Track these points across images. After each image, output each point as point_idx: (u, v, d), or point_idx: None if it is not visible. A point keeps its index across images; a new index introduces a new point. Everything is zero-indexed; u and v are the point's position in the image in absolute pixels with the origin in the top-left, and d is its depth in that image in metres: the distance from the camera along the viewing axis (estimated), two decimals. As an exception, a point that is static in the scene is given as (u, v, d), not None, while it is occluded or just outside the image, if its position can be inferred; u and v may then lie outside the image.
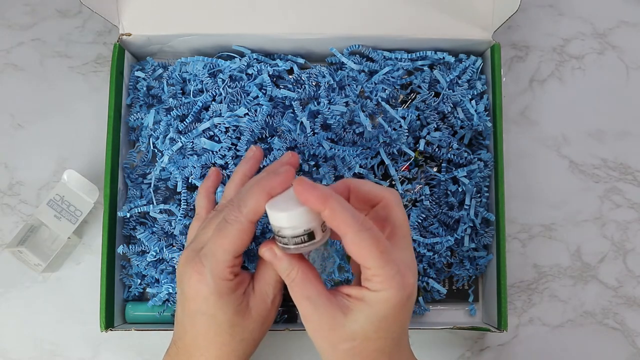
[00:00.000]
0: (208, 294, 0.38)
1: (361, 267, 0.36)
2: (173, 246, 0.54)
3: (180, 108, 0.55)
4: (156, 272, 0.54)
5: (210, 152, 0.54)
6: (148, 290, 0.54)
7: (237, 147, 0.54)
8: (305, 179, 0.35)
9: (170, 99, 0.56)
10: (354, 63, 0.57)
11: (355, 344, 0.36)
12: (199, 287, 0.39)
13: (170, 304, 0.54)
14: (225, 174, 0.54)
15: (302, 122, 0.54)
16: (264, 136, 0.55)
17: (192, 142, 0.54)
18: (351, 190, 0.40)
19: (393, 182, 0.56)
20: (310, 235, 0.36)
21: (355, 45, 0.57)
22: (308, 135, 0.54)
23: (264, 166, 0.52)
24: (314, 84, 0.56)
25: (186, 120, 0.55)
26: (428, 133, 0.56)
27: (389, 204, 0.38)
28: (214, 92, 0.55)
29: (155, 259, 0.54)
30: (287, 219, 0.36)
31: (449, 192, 0.55)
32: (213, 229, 0.40)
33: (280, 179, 0.37)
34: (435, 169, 0.56)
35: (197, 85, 0.56)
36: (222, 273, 0.38)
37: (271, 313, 0.42)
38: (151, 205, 0.54)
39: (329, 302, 0.36)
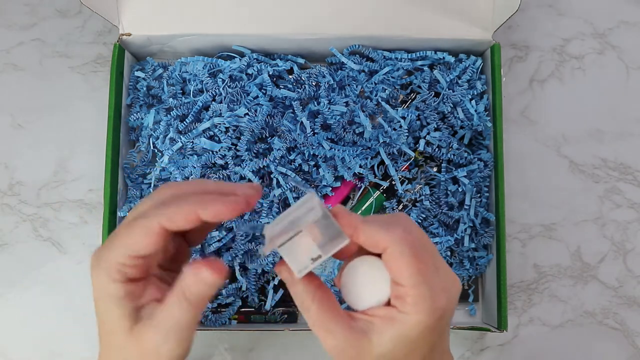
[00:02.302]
0: (95, 293, 0.34)
1: (393, 284, 0.34)
2: (173, 246, 0.54)
3: (180, 108, 0.55)
4: (156, 272, 0.54)
5: (210, 152, 0.54)
6: (148, 290, 0.54)
7: (237, 147, 0.54)
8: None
9: (170, 99, 0.56)
10: (354, 63, 0.57)
11: None
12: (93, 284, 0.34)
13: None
14: (226, 175, 0.54)
15: (302, 122, 0.54)
16: (264, 136, 0.55)
17: (192, 142, 0.54)
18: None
19: (393, 182, 0.56)
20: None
21: (355, 45, 0.57)
22: (308, 135, 0.54)
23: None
24: (314, 84, 0.56)
25: (186, 120, 0.55)
26: (428, 133, 0.56)
27: (394, 254, 0.33)
28: (214, 92, 0.55)
29: (155, 259, 0.54)
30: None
31: (449, 192, 0.55)
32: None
33: (223, 207, 0.32)
34: (435, 169, 0.56)
35: (197, 85, 0.56)
36: (110, 270, 0.33)
37: None
38: (151, 205, 0.54)
39: (349, 329, 0.33)
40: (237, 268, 0.54)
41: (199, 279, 0.33)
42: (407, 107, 0.57)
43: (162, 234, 0.33)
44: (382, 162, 0.56)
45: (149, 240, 0.33)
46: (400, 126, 0.55)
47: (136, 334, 0.33)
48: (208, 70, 0.56)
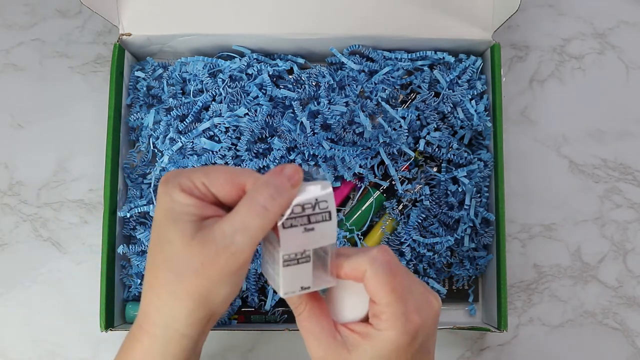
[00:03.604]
0: (159, 205, 0.34)
1: (370, 303, 0.35)
2: (173, 246, 0.54)
3: (180, 108, 0.55)
4: (156, 272, 0.54)
5: (210, 152, 0.54)
6: (148, 290, 0.54)
7: (237, 147, 0.54)
8: None
9: (170, 99, 0.56)
10: (354, 63, 0.57)
11: None
12: None
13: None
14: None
15: (302, 122, 0.54)
16: (264, 136, 0.55)
17: (192, 142, 0.54)
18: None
19: (393, 182, 0.56)
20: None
21: (355, 45, 0.57)
22: (308, 135, 0.54)
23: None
24: (314, 84, 0.56)
25: (186, 120, 0.55)
26: (428, 133, 0.56)
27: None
28: (214, 92, 0.55)
29: (155, 259, 0.54)
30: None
31: (449, 192, 0.55)
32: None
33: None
34: (435, 169, 0.56)
35: (197, 85, 0.56)
36: (182, 184, 0.33)
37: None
38: (151, 205, 0.54)
39: (333, 339, 0.36)
40: (237, 268, 0.54)
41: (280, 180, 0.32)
42: (407, 107, 0.57)
43: (239, 189, 0.33)
44: (382, 162, 0.56)
45: (227, 184, 0.33)
46: (400, 126, 0.55)
47: (199, 239, 0.32)
48: (208, 70, 0.56)
